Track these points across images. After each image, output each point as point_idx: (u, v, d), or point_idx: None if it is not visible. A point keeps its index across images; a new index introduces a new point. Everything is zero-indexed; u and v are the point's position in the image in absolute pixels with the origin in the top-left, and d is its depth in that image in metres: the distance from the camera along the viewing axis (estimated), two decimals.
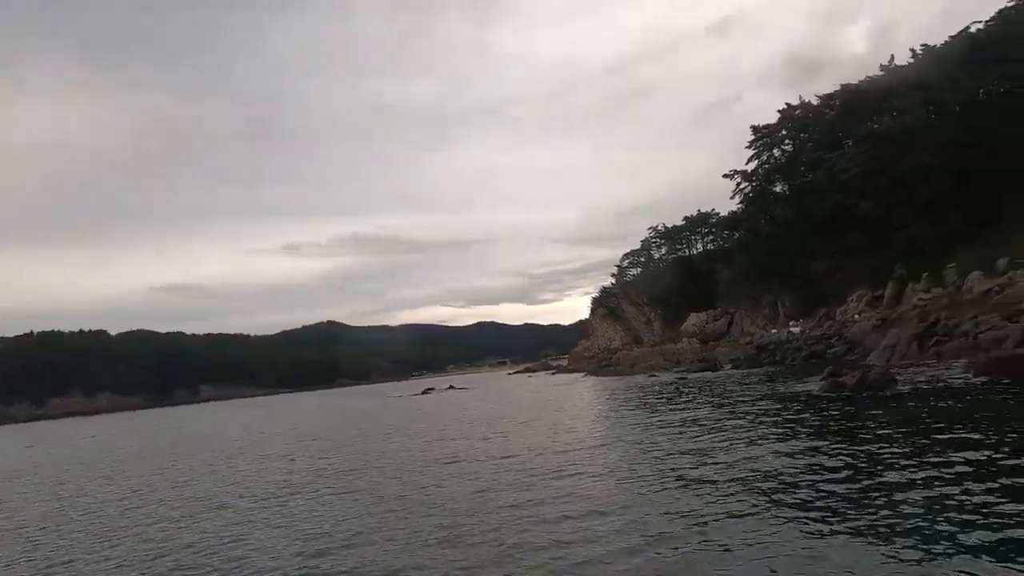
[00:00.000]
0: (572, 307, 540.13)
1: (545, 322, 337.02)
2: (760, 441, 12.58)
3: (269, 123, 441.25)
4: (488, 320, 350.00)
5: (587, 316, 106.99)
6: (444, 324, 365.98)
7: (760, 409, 17.76)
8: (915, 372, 20.72)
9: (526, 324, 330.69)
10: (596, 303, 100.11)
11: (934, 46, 48.78)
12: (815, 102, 57.75)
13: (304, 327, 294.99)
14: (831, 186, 49.17)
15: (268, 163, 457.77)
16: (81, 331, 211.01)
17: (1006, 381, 16.03)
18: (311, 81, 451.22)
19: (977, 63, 42.11)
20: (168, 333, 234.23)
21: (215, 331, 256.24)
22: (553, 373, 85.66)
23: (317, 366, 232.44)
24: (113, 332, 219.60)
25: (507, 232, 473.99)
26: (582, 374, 66.00)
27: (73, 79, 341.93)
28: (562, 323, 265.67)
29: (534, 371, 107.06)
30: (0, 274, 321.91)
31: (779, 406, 17.89)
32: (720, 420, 16.32)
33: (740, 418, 16.24)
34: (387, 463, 15.95)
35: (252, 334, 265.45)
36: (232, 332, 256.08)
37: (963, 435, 10.49)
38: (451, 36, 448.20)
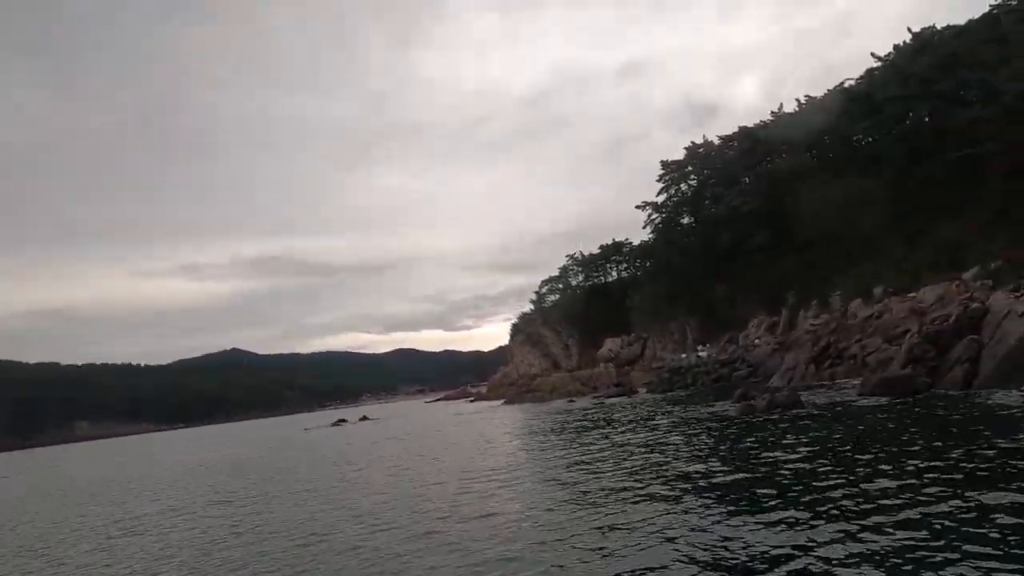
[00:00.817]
0: (492, 333, 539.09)
1: (465, 348, 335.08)
2: (686, 462, 12.61)
3: (166, 133, 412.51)
4: (406, 347, 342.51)
5: (507, 342, 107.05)
6: (359, 351, 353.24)
7: (682, 432, 18.08)
8: (814, 393, 22.13)
9: (445, 351, 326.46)
10: (515, 329, 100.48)
11: (816, 97, 54.51)
12: (717, 142, 62.43)
13: (205, 355, 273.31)
14: (731, 219, 52.94)
15: (167, 176, 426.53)
16: None
17: (896, 398, 17.64)
18: (215, 90, 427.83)
19: (849, 114, 47.40)
20: (38, 364, 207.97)
21: (98, 361, 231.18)
22: (473, 401, 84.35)
23: (218, 397, 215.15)
24: None
25: (425, 257, 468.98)
26: (502, 401, 65.40)
27: None
28: (482, 349, 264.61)
29: (453, 399, 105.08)
30: None
31: (699, 428, 18.33)
32: (642, 444, 16.35)
33: (663, 442, 16.36)
34: (284, 521, 14.40)
35: (143, 364, 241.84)
36: (119, 362, 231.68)
37: (870, 448, 11.16)
38: (371, 55, 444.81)
